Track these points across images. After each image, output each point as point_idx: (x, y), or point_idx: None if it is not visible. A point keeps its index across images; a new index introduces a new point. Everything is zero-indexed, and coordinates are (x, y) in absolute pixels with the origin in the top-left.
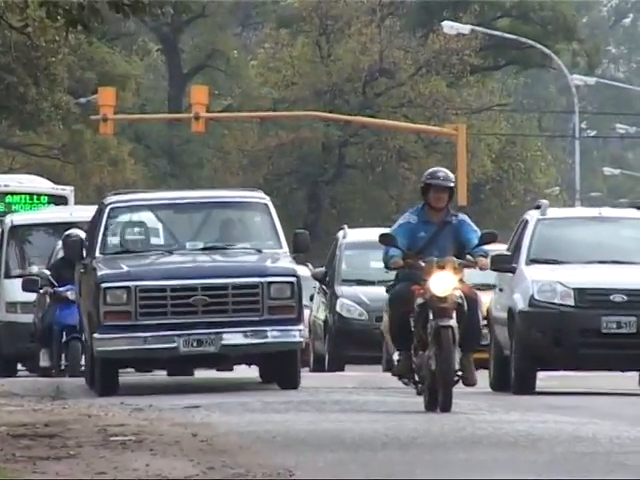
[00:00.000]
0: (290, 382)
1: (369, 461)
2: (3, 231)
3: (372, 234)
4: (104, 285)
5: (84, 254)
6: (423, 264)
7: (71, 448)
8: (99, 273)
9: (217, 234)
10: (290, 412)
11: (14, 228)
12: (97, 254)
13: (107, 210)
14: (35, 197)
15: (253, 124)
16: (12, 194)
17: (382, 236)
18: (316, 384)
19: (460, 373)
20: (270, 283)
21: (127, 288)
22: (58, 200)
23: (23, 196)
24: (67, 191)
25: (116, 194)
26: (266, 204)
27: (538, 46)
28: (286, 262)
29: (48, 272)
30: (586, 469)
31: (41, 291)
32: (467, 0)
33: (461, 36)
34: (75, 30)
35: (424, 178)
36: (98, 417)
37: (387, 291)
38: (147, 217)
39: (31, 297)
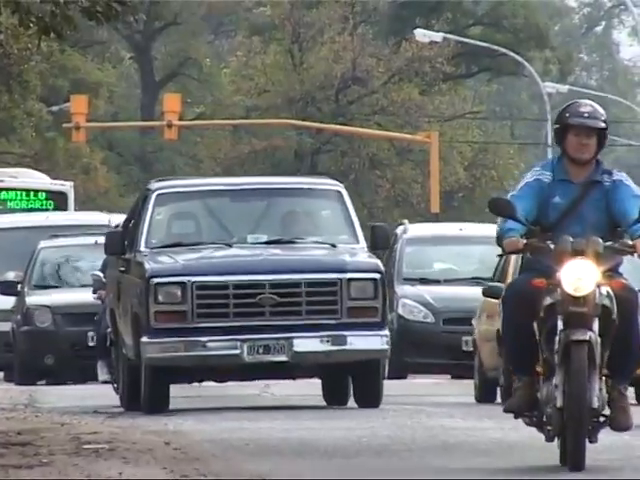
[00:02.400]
0: (371, 399)
1: (342, 468)
2: None
3: (435, 229)
4: (155, 281)
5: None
6: (552, 246)
7: (44, 456)
8: (148, 267)
9: (282, 226)
10: (263, 420)
11: None
12: (142, 247)
13: (153, 197)
14: (32, 193)
15: (226, 132)
16: (7, 190)
17: (494, 202)
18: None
19: (605, 412)
20: (350, 280)
21: (182, 284)
22: (57, 197)
23: (19, 192)
24: (66, 187)
25: (162, 180)
26: (339, 192)
27: (510, 54)
28: (367, 256)
29: (101, 274)
30: (558, 477)
31: (94, 296)
32: (440, 8)
33: (433, 44)
34: (48, 38)
35: (560, 117)
36: (71, 425)
37: (485, 292)
38: (200, 206)
39: (8, 304)
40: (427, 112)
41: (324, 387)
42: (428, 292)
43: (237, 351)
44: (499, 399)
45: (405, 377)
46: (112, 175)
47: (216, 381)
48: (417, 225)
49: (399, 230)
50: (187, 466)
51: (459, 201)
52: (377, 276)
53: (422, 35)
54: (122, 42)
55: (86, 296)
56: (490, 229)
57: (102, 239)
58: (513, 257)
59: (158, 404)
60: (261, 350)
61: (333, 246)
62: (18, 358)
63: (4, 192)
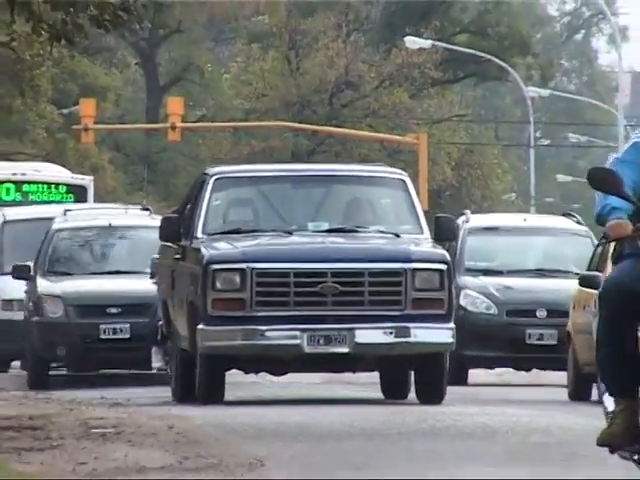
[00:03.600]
0: (435, 394)
1: (335, 451)
2: None
3: (498, 219)
4: (213, 267)
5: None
6: None
7: (54, 439)
8: (206, 253)
9: (344, 214)
10: (262, 406)
11: (6, 223)
12: (199, 234)
13: (211, 182)
14: (54, 187)
15: (226, 134)
16: (29, 183)
17: (595, 173)
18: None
19: None
20: (415, 270)
21: (241, 271)
22: (77, 190)
23: (41, 185)
24: (86, 180)
25: (220, 165)
26: (404, 180)
27: (495, 60)
28: (432, 247)
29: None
30: (540, 459)
31: (152, 280)
32: (428, 17)
33: (422, 51)
34: (59, 44)
35: None
36: (79, 410)
37: (582, 281)
38: (259, 192)
39: (23, 294)
40: (416, 115)
41: (383, 380)
42: (491, 283)
43: (297, 341)
44: (595, 396)
45: (466, 371)
46: (119, 174)
47: (273, 373)
48: (479, 215)
49: (461, 220)
50: (189, 449)
51: (446, 199)
52: (444, 267)
53: (411, 42)
54: (128, 49)
55: (97, 286)
56: (554, 220)
57: (117, 221)
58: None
59: (213, 394)
60: (322, 341)
61: (397, 235)
62: (31, 353)
63: (26, 185)
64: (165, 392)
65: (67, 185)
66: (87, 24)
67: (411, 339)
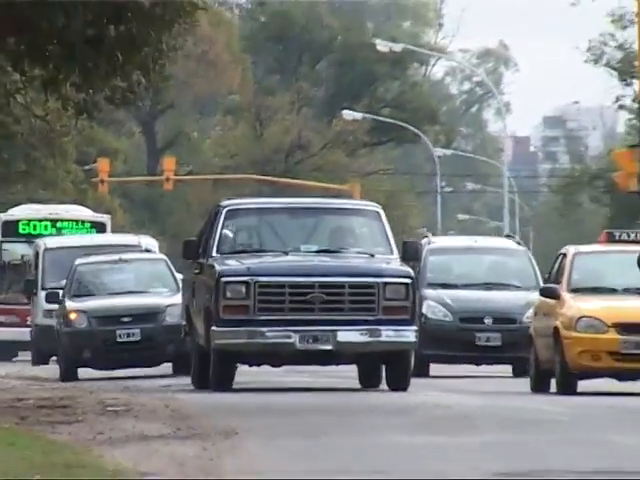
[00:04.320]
0: (400, 383)
1: (295, 423)
2: (38, 253)
3: (454, 241)
4: (224, 280)
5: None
6: None
7: (78, 415)
8: (218, 269)
9: (329, 239)
10: (243, 391)
11: (47, 250)
12: (214, 253)
13: (224, 212)
14: (80, 223)
15: (207, 184)
16: (62, 220)
17: None
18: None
19: None
20: (386, 284)
21: (246, 283)
22: (98, 226)
23: (70, 222)
24: (105, 218)
25: (230, 199)
26: (378, 212)
27: (410, 128)
28: (400, 265)
29: None
30: (439, 427)
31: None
32: (360, 95)
33: (355, 121)
34: (81, 117)
35: None
36: (98, 393)
37: (542, 292)
38: (262, 220)
39: (55, 305)
40: (351, 169)
41: (360, 372)
42: (447, 295)
43: (291, 340)
44: (553, 389)
45: (428, 368)
46: (127, 215)
47: (272, 365)
48: (438, 237)
49: (423, 242)
50: (181, 422)
51: None
52: (409, 281)
53: (348, 115)
54: (133, 120)
55: (112, 301)
56: (498, 241)
57: (125, 256)
58: (568, 259)
59: (224, 383)
60: (311, 340)
61: (371, 256)
62: (62, 354)
63: (59, 222)
64: (163, 381)
65: (91, 222)
66: (102, 102)
67: (382, 339)
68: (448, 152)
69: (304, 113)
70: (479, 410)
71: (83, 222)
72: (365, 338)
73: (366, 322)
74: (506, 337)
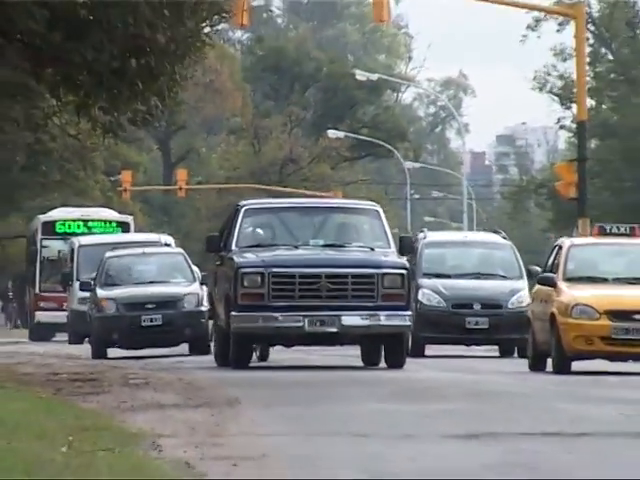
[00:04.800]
0: (397, 361)
1: (288, 394)
2: (73, 249)
3: (447, 236)
4: (242, 271)
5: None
6: None
7: (105, 387)
8: (237, 261)
9: (335, 234)
10: (249, 369)
11: (81, 246)
12: (233, 247)
13: (242, 211)
14: (107, 223)
15: (214, 192)
16: (92, 221)
17: None
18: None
19: None
20: (384, 274)
21: (261, 274)
22: (123, 225)
23: (100, 222)
24: (129, 219)
25: (247, 200)
26: (377, 210)
27: (385, 145)
28: (397, 257)
29: None
30: (416, 398)
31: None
32: (342, 117)
33: (339, 139)
34: (108, 136)
35: None
36: (122, 369)
37: (540, 281)
38: (275, 218)
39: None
40: (334, 180)
41: (362, 352)
42: (441, 284)
43: (300, 324)
44: (550, 368)
45: (424, 349)
46: (146, 218)
47: (284, 346)
48: (433, 232)
49: (420, 236)
50: (192, 393)
51: None
52: (404, 272)
53: (332, 134)
54: (151, 138)
55: (137, 290)
56: (486, 236)
57: (148, 250)
58: (564, 251)
59: (242, 361)
60: (318, 323)
61: (372, 249)
62: (94, 336)
63: (90, 222)
64: (179, 359)
65: (117, 222)
66: (125, 123)
67: (381, 322)
68: (416, 165)
69: (295, 132)
70: (448, 383)
71: (110, 222)
72: (366, 322)
73: (367, 308)
74: (493, 321)
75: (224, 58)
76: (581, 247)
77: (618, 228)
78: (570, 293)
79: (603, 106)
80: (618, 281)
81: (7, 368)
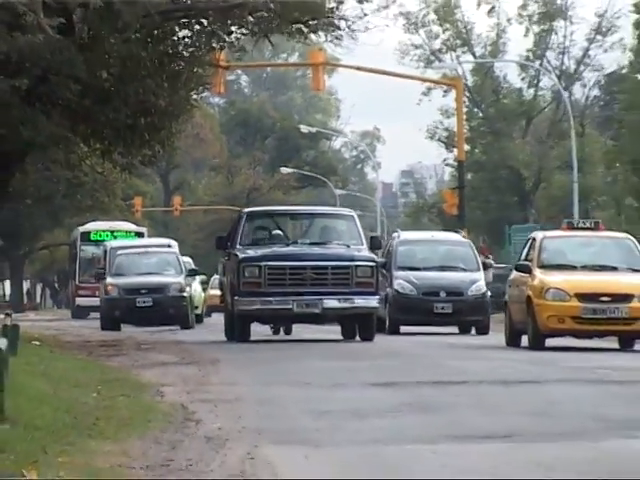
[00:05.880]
0: (368, 336)
1: (260, 357)
2: (105, 251)
3: (417, 235)
4: (243, 264)
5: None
6: None
7: (123, 350)
8: (240, 256)
9: (319, 234)
10: (249, 342)
11: (111, 249)
12: (237, 245)
13: (244, 216)
14: (128, 232)
15: (200, 212)
16: (117, 231)
17: None
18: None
19: None
20: (357, 266)
21: (259, 266)
22: (140, 234)
23: (122, 232)
24: (144, 229)
25: (249, 207)
26: (353, 216)
27: (321, 178)
28: (368, 253)
29: None
30: (352, 357)
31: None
32: (292, 159)
33: (289, 174)
34: (124, 173)
35: None
36: (135, 337)
37: (517, 267)
38: (272, 221)
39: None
40: (286, 203)
41: (342, 329)
42: (413, 275)
43: (290, 306)
44: (525, 343)
45: (399, 329)
46: (152, 230)
47: (278, 324)
48: (406, 232)
49: (394, 235)
50: (185, 354)
51: None
52: (374, 264)
53: (284, 170)
54: (156, 174)
55: (135, 279)
56: (448, 235)
57: (149, 249)
58: (537, 242)
59: (244, 336)
60: (304, 306)
61: (348, 246)
62: (101, 313)
63: (116, 231)
64: (171, 332)
65: (135, 231)
66: (137, 163)
67: (355, 304)
68: (344, 192)
69: (257, 169)
70: (385, 346)
71: (130, 231)
72: (343, 304)
73: (343, 293)
74: (455, 306)
75: (206, 117)
76: (552, 239)
77: (584, 223)
78: (544, 278)
79: (476, 150)
80: (585, 268)
81: (54, 337)
